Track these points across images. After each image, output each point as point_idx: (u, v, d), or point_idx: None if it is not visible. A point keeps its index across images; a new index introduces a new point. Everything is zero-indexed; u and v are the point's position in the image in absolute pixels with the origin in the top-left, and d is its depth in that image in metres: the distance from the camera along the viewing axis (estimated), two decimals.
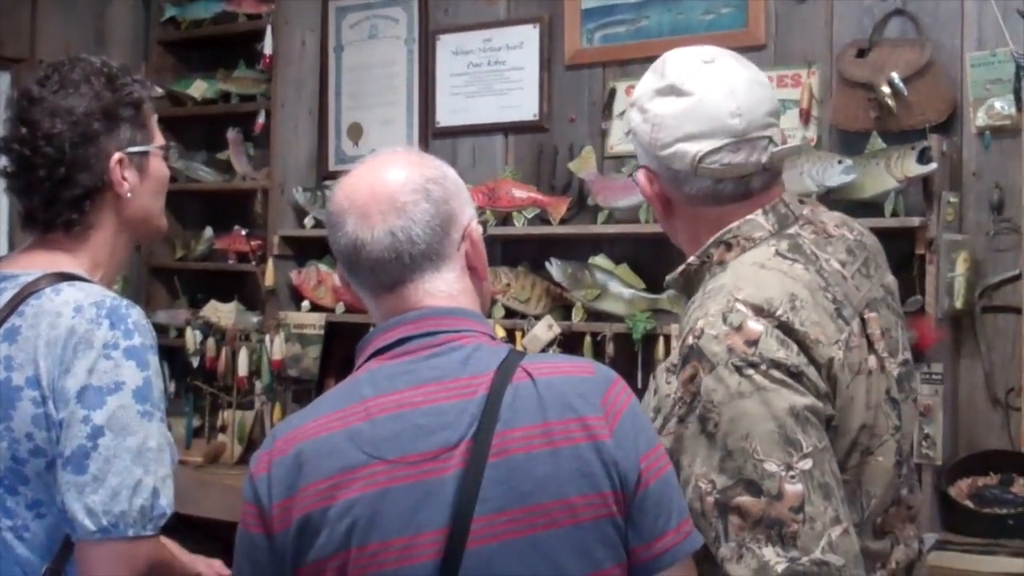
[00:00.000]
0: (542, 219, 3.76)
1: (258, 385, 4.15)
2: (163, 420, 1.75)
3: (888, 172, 3.06)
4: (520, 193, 3.75)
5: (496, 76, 4.01)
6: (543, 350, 3.55)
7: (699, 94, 1.73)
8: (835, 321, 1.67)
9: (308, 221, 4.21)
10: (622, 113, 3.70)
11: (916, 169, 3.01)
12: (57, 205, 1.82)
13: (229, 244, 4.43)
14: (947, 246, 3.03)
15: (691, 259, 1.79)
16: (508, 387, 1.46)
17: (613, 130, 3.74)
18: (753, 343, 1.60)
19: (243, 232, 4.36)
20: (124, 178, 1.86)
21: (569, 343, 3.58)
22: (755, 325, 1.61)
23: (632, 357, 3.46)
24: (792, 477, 1.56)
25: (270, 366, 4.09)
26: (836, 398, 1.63)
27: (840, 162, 3.06)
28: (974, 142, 3.14)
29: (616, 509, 1.45)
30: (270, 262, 4.21)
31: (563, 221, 3.73)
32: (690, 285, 1.81)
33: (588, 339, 3.53)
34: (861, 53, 3.23)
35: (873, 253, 1.86)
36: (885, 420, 1.71)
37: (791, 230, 1.77)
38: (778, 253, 1.72)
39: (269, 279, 4.20)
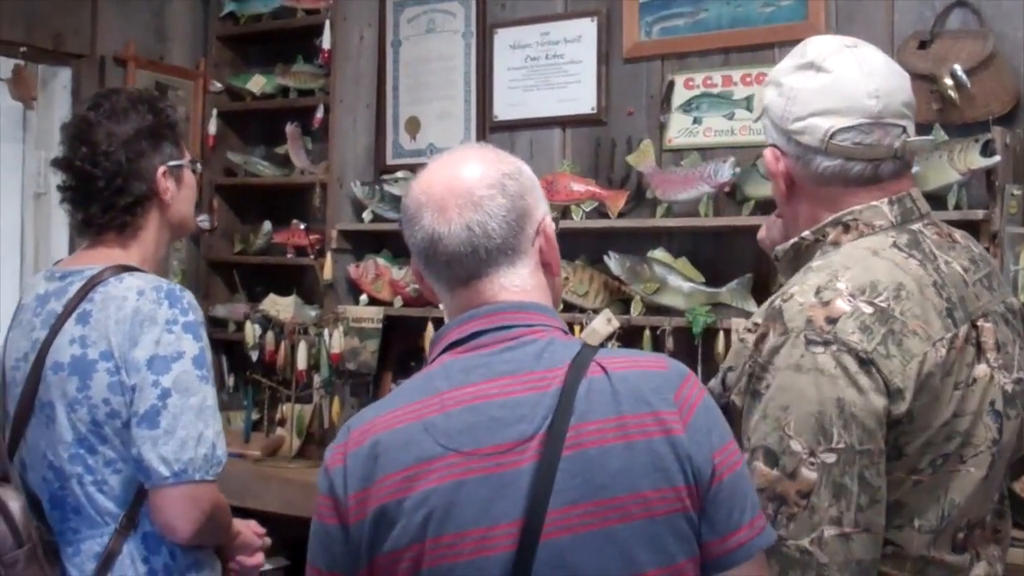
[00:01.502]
0: (600, 212, 3.76)
1: (316, 379, 4.18)
2: (214, 384, 2.10)
3: (951, 165, 3.03)
4: (578, 186, 3.75)
5: (554, 69, 4.01)
6: (602, 344, 3.55)
7: (838, 71, 1.74)
8: (942, 319, 1.66)
9: (366, 215, 4.24)
10: (681, 106, 3.70)
11: (979, 162, 2.99)
12: (113, 211, 2.18)
13: (288, 238, 4.46)
14: (1011, 239, 2.99)
15: (805, 233, 1.79)
16: (582, 381, 1.47)
17: (672, 123, 3.73)
18: (833, 321, 1.61)
19: (302, 226, 4.39)
20: (167, 187, 2.22)
21: (628, 337, 3.57)
22: (843, 305, 1.62)
23: (692, 351, 3.45)
24: (812, 464, 1.58)
25: (329, 360, 4.11)
26: (920, 393, 1.61)
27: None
28: None
29: (690, 503, 1.45)
30: (328, 256, 4.24)
31: (621, 215, 3.73)
32: (798, 260, 1.80)
33: (647, 333, 3.53)
34: (923, 45, 3.20)
35: (996, 271, 1.86)
36: (984, 431, 1.69)
37: (914, 226, 1.76)
38: (895, 245, 1.72)
39: (327, 273, 4.23)
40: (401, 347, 4.22)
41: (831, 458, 1.58)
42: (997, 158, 2.97)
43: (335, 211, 4.30)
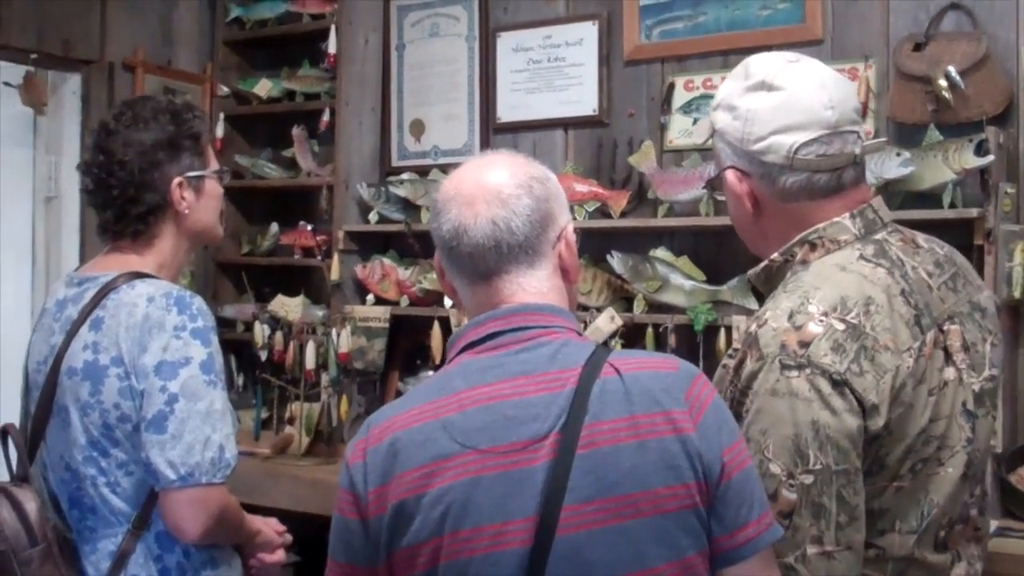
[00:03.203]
0: (603, 213, 3.81)
1: (325, 378, 4.21)
2: (224, 388, 2.12)
3: (946, 164, 3.09)
4: (581, 187, 3.80)
5: (556, 72, 4.07)
6: (605, 342, 3.60)
7: (791, 88, 1.76)
8: (910, 328, 1.69)
9: (372, 216, 4.30)
10: (681, 107, 3.75)
11: (973, 161, 3.04)
12: (126, 219, 2.21)
13: (295, 239, 4.51)
14: (1005, 236, 3.04)
15: (774, 255, 1.82)
16: (596, 381, 1.50)
17: (672, 124, 3.78)
18: (805, 345, 1.64)
19: (308, 227, 4.42)
20: (183, 197, 2.23)
21: (631, 335, 3.63)
22: (815, 328, 1.65)
23: (694, 348, 3.51)
24: (791, 485, 1.61)
25: (336, 359, 4.16)
26: (895, 406, 1.65)
27: (899, 155, 3.09)
28: None
29: (700, 500, 1.49)
30: (335, 257, 4.29)
31: (623, 214, 3.78)
32: (771, 282, 1.83)
33: (650, 331, 3.58)
34: (918, 47, 3.25)
35: (963, 270, 1.88)
36: (958, 432, 1.73)
37: (878, 235, 1.79)
38: (862, 257, 1.75)
39: (334, 273, 4.28)
40: (407, 346, 4.28)
41: (809, 479, 1.61)
42: (991, 157, 3.03)
43: (341, 212, 4.36)
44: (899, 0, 3.40)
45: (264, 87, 4.66)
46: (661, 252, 3.64)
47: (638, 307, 3.65)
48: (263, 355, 4.34)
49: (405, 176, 4.23)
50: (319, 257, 4.37)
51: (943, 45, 3.22)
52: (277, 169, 4.67)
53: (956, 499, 1.75)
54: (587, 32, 4.00)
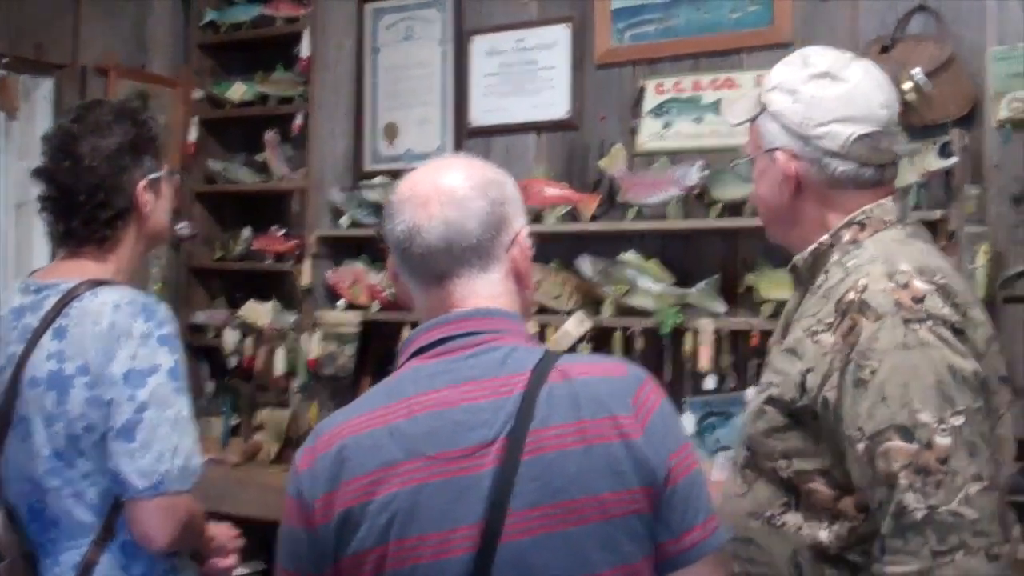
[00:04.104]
0: (573, 216, 3.80)
1: (295, 384, 4.21)
2: (189, 394, 2.11)
3: (910, 166, 3.09)
4: (551, 191, 3.79)
5: (528, 76, 4.06)
6: (573, 346, 3.59)
7: (854, 81, 1.86)
8: (972, 293, 1.81)
9: (344, 221, 4.28)
10: (652, 110, 3.74)
11: (938, 163, 3.05)
12: (95, 224, 2.18)
13: (267, 244, 4.51)
14: (968, 238, 3.04)
15: (824, 238, 1.88)
16: (543, 386, 1.50)
17: (642, 127, 3.77)
18: (919, 300, 1.70)
19: (281, 232, 4.43)
20: (147, 200, 2.23)
21: (599, 338, 3.62)
22: (920, 284, 1.72)
23: (661, 352, 3.50)
24: (943, 431, 1.64)
25: (306, 365, 4.15)
26: (985, 359, 1.73)
27: None
28: (995, 136, 3.13)
29: (645, 505, 1.48)
30: (307, 261, 4.28)
31: (593, 218, 3.77)
32: (816, 266, 1.89)
33: (618, 334, 3.56)
34: (885, 49, 3.25)
35: None
36: (1004, 395, 1.81)
37: (910, 221, 1.89)
38: (910, 236, 1.84)
39: (306, 278, 4.27)
40: (379, 351, 4.25)
41: (959, 420, 1.65)
42: (955, 159, 3.03)
43: (314, 217, 4.35)
44: (867, 2, 3.40)
45: (238, 91, 4.65)
46: (630, 256, 3.63)
47: (607, 311, 3.63)
48: (233, 361, 4.34)
49: (378, 180, 4.21)
50: (291, 262, 4.36)
51: (910, 47, 3.22)
52: (250, 173, 4.66)
53: (1009, 464, 1.83)
54: (559, 35, 3.99)
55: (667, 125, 3.72)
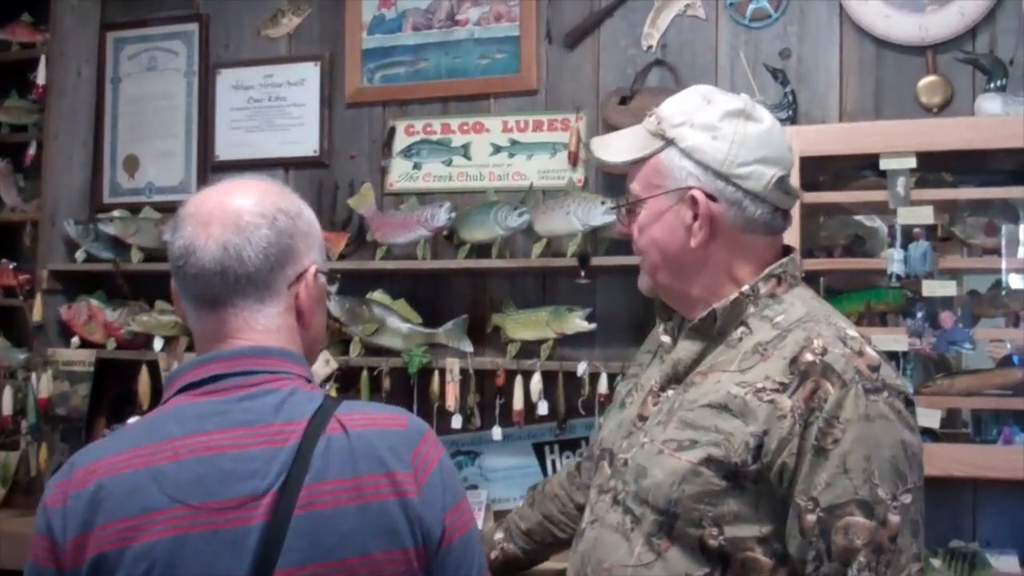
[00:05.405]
0: None
1: (23, 424, 3.99)
2: None
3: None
4: None
5: (277, 112, 4.01)
6: (321, 385, 3.56)
7: (768, 122, 1.80)
8: None
9: (79, 255, 4.09)
10: (402, 151, 3.76)
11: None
12: None
13: None
14: None
15: (744, 288, 1.78)
16: (321, 437, 1.46)
17: (393, 168, 3.78)
18: (875, 368, 1.67)
19: (11, 266, 4.20)
20: None
21: (347, 377, 3.58)
22: (871, 351, 1.69)
23: (408, 391, 3.50)
24: (894, 508, 1.62)
25: (36, 405, 3.95)
26: None
27: (603, 203, 3.18)
28: None
29: (417, 565, 1.47)
30: (38, 297, 4.07)
31: (342, 256, 3.74)
32: (729, 317, 1.79)
33: (365, 373, 3.55)
34: (623, 100, 3.37)
35: None
36: None
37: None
38: (814, 296, 1.82)
39: (37, 314, 4.05)
40: (114, 391, 4.08)
41: (908, 499, 1.63)
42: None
43: (47, 250, 4.13)
44: (609, 55, 3.52)
45: None
46: (379, 295, 3.62)
47: (354, 350, 3.60)
48: None
49: (116, 213, 4.05)
50: (21, 297, 4.14)
51: (648, 99, 3.33)
52: None
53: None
54: (309, 72, 3.97)
55: (417, 166, 3.75)
